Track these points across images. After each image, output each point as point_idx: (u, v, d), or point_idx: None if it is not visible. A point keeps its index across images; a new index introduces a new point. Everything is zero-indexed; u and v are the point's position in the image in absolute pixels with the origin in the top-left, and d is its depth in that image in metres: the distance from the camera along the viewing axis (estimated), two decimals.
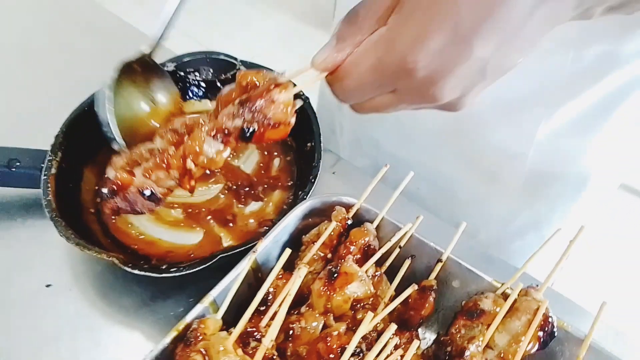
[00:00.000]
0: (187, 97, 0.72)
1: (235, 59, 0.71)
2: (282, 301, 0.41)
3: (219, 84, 0.72)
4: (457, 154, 0.66)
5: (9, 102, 0.75)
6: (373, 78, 0.37)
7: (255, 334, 0.42)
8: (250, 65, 0.71)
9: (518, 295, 0.45)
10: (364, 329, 0.40)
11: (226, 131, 0.42)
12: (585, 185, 0.64)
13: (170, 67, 0.70)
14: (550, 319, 0.44)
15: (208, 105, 0.73)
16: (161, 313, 0.53)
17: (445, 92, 0.36)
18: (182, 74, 0.70)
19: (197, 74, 0.71)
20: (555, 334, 0.44)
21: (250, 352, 0.39)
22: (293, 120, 0.42)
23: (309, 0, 2.85)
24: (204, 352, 0.38)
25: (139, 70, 0.56)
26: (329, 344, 0.40)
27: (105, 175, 0.46)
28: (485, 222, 0.69)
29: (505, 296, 0.46)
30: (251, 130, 0.41)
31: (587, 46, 0.52)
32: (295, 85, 0.42)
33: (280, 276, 0.46)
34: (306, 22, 2.75)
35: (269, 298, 0.45)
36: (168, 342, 0.41)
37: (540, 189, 0.64)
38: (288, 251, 0.44)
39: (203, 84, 0.72)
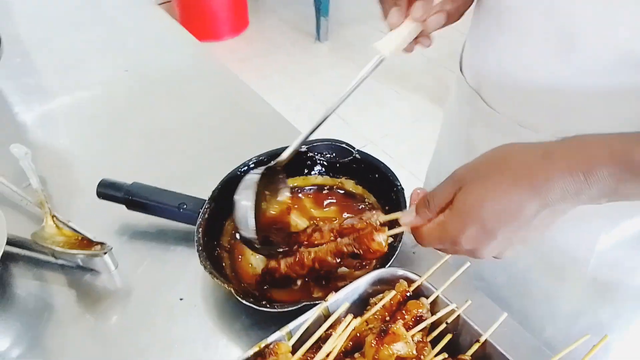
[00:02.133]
0: (312, 172, 0.91)
1: (354, 148, 0.88)
2: (337, 339, 0.54)
3: (337, 165, 0.90)
4: (531, 250, 0.73)
5: (184, 162, 1.01)
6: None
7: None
8: (363, 154, 0.87)
9: None
10: None
11: (343, 252, 0.66)
12: None
13: (304, 148, 0.89)
14: None
15: (327, 180, 0.90)
16: (254, 336, 0.69)
17: (485, 255, 0.53)
18: (311, 154, 0.89)
19: (321, 155, 0.90)
20: None
21: None
22: (386, 249, 0.63)
23: (442, 85, 3.03)
24: None
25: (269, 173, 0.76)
26: None
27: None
28: (552, 320, 0.73)
29: None
30: (358, 254, 0.65)
31: None
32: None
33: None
34: (437, 103, 2.93)
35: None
36: (250, 354, 0.56)
37: (602, 295, 0.68)
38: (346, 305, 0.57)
39: (325, 163, 0.90)
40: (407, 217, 0.58)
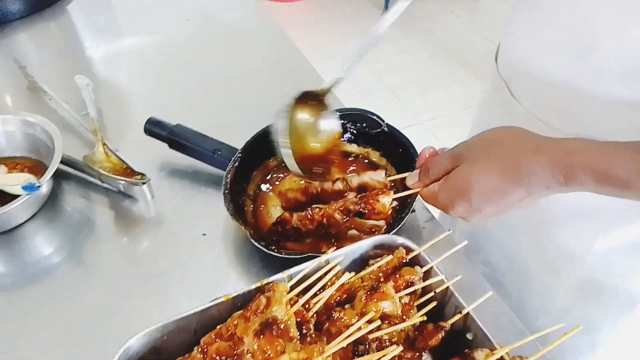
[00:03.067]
0: (342, 139, 0.95)
1: (383, 121, 0.92)
2: (329, 288, 0.60)
3: (366, 135, 0.94)
4: (531, 243, 0.76)
5: (226, 112, 1.08)
6: (433, 204, 0.63)
7: (306, 305, 0.61)
8: (391, 128, 0.91)
9: (507, 357, 0.56)
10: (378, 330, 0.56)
11: (349, 210, 0.72)
12: (634, 307, 0.68)
13: (337, 114, 0.94)
14: None
15: (354, 148, 0.95)
16: (261, 276, 0.76)
17: (470, 219, 0.60)
18: (342, 121, 0.94)
19: (353, 123, 0.94)
20: None
21: (294, 310, 0.58)
22: (389, 212, 0.71)
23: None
24: (268, 298, 0.59)
25: (315, 103, 0.80)
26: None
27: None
28: (545, 311, 0.76)
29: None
30: (364, 212, 0.71)
31: None
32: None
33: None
34: None
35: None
36: (252, 288, 0.63)
37: (593, 295, 0.71)
38: (341, 257, 0.63)
39: (355, 132, 0.94)
40: (410, 179, 0.66)
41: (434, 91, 2.97)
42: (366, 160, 0.94)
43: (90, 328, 0.72)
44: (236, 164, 0.84)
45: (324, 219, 0.73)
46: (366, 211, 0.69)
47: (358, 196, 0.71)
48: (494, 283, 0.77)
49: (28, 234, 0.84)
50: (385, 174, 0.81)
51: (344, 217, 0.71)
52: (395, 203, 0.69)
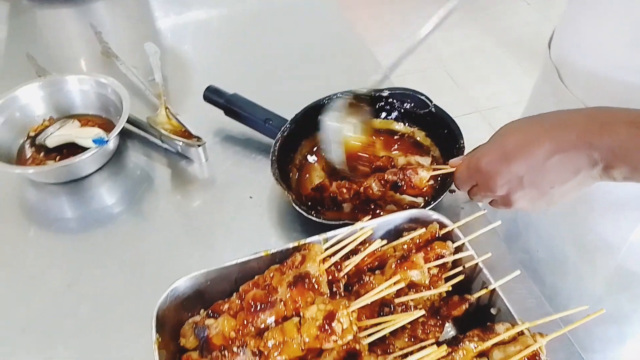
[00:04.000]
0: (389, 117, 0.98)
1: (431, 101, 0.93)
2: (361, 253, 0.63)
3: (413, 115, 0.96)
4: (568, 231, 0.76)
5: (280, 83, 1.12)
6: (466, 173, 0.65)
7: (338, 266, 0.65)
8: (438, 109, 0.92)
9: (528, 333, 0.58)
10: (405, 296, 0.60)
11: (386, 181, 0.76)
12: None
13: (386, 93, 0.96)
14: (539, 357, 0.55)
15: (401, 127, 0.97)
16: (301, 238, 0.80)
17: (497, 186, 0.60)
18: (391, 100, 0.96)
19: (401, 102, 0.96)
20: None
21: (326, 267, 0.62)
22: (425, 189, 0.74)
23: None
24: (303, 255, 0.63)
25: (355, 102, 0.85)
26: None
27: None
28: (577, 300, 0.77)
29: (521, 332, 0.59)
30: (399, 185, 0.74)
31: None
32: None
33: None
34: None
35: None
36: (290, 246, 0.67)
37: (626, 286, 0.71)
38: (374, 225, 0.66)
39: (402, 111, 0.96)
40: (455, 160, 0.68)
41: (496, 80, 2.89)
42: (411, 140, 0.96)
43: (143, 270, 0.79)
44: (285, 133, 0.89)
45: (361, 188, 0.76)
46: (403, 183, 0.71)
47: (400, 167, 0.73)
48: (530, 270, 0.79)
49: (95, 184, 0.93)
50: (432, 162, 0.83)
51: (381, 187, 0.74)
52: (432, 182, 0.72)
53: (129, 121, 0.96)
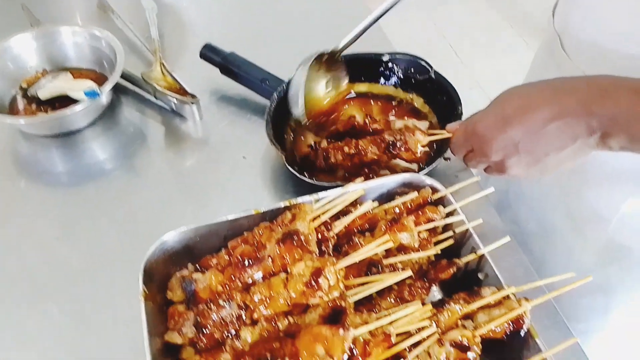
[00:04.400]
0: (387, 82, 0.96)
1: (431, 67, 0.92)
2: (352, 214, 0.63)
3: (412, 81, 0.94)
4: (560, 203, 0.76)
5: (277, 44, 1.10)
6: (463, 137, 0.64)
7: (328, 226, 0.65)
8: (438, 75, 0.91)
9: (513, 297, 0.58)
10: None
11: (381, 140, 0.75)
12: None
13: (386, 57, 0.95)
14: (523, 321, 0.56)
15: (399, 93, 0.96)
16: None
17: (493, 150, 0.59)
18: (390, 65, 0.95)
19: (400, 68, 0.94)
20: (522, 333, 0.56)
21: (316, 225, 0.62)
22: (419, 153, 0.74)
23: None
24: (294, 214, 0.63)
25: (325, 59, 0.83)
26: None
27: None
28: (564, 267, 0.77)
29: (506, 297, 0.59)
30: (394, 144, 0.74)
31: None
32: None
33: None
34: None
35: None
36: (282, 205, 0.67)
37: (614, 257, 0.71)
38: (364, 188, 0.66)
39: (402, 77, 0.95)
40: (452, 125, 0.67)
41: (501, 56, 2.84)
42: (409, 106, 0.94)
43: (134, 224, 0.79)
44: (281, 94, 0.87)
45: (355, 148, 0.75)
46: (398, 145, 0.70)
47: (397, 128, 0.72)
48: (519, 242, 0.79)
49: (87, 138, 0.92)
50: (429, 127, 0.82)
51: (377, 150, 0.73)
52: (427, 148, 0.71)
53: (123, 76, 0.94)
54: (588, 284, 0.77)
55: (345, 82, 0.84)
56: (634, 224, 0.68)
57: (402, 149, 0.72)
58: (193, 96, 0.91)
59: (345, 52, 0.91)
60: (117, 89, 0.97)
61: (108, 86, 0.88)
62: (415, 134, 0.69)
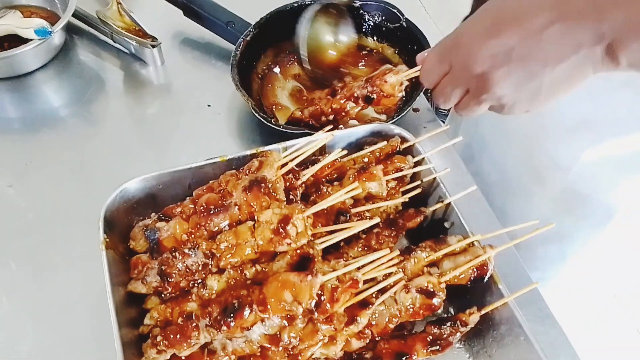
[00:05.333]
0: (358, 31, 0.93)
1: (403, 15, 0.89)
2: (320, 163, 0.62)
3: (383, 29, 0.92)
4: (523, 153, 0.77)
5: None
6: (438, 56, 0.56)
7: (296, 174, 0.63)
8: (409, 23, 0.88)
9: (477, 244, 0.59)
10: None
11: (356, 95, 0.71)
12: (610, 220, 0.70)
13: (357, 3, 0.91)
14: (487, 267, 0.57)
15: (370, 42, 0.93)
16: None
17: (478, 60, 0.50)
18: (362, 12, 0.91)
19: (371, 15, 0.92)
20: (485, 280, 0.57)
21: (284, 173, 0.61)
22: (400, 94, 0.67)
23: None
24: (261, 161, 0.61)
25: (334, 12, 0.80)
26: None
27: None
28: (523, 217, 0.78)
29: (471, 244, 0.60)
30: (372, 97, 0.68)
31: None
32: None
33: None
34: None
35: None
36: (248, 153, 0.65)
37: (572, 205, 0.73)
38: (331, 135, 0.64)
39: (372, 25, 0.92)
40: (421, 54, 0.61)
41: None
42: (380, 56, 0.92)
43: (93, 173, 0.76)
44: (248, 38, 0.83)
45: (335, 108, 0.73)
46: (374, 96, 0.68)
47: (364, 79, 0.70)
48: (482, 193, 0.80)
49: (39, 81, 0.86)
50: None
51: (355, 105, 0.71)
52: (402, 94, 0.68)
53: (76, 15, 0.88)
54: (544, 233, 0.80)
55: (352, 33, 0.81)
56: (593, 172, 0.69)
57: (381, 97, 0.69)
58: (154, 38, 0.86)
59: None
60: (71, 30, 0.91)
61: (60, 24, 0.82)
62: (387, 80, 0.66)
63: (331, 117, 0.75)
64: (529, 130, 0.74)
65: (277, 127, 0.74)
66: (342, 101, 0.73)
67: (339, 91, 0.74)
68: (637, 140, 0.64)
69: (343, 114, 0.74)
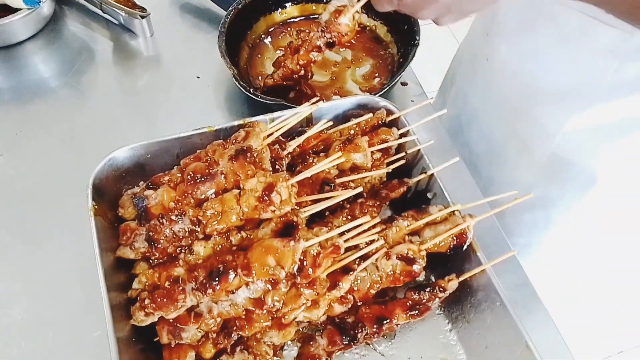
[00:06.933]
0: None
1: None
2: (306, 134, 0.63)
3: None
4: (509, 122, 0.79)
5: None
6: None
7: (282, 145, 0.64)
8: None
9: (458, 214, 0.61)
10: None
11: (319, 46, 0.71)
12: (592, 185, 0.73)
13: None
14: (466, 236, 0.59)
15: (364, 19, 0.92)
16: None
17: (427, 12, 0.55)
18: None
19: None
20: (464, 247, 0.59)
21: (270, 144, 0.62)
22: (355, 27, 0.68)
23: None
24: (247, 132, 0.62)
25: None
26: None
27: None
28: (509, 185, 0.80)
29: (452, 214, 0.62)
30: (332, 41, 0.69)
31: (632, 61, 0.62)
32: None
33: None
34: None
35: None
36: (235, 124, 0.66)
37: (556, 171, 0.75)
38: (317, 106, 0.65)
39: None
40: None
41: None
42: (372, 34, 0.92)
43: (82, 142, 0.77)
44: (239, 6, 0.83)
45: (300, 66, 0.74)
46: (335, 39, 0.69)
47: (318, 29, 0.70)
48: (469, 163, 0.81)
49: (29, 52, 0.86)
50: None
51: (319, 53, 0.72)
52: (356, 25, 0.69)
53: None
54: (530, 200, 0.82)
55: None
56: (578, 139, 0.71)
57: (342, 39, 0.70)
58: (143, 9, 0.86)
59: None
60: (61, 0, 0.91)
61: None
62: (340, 21, 0.68)
63: (302, 72, 0.76)
64: (516, 101, 0.76)
65: (254, 97, 0.74)
66: (308, 55, 0.74)
67: (301, 46, 0.74)
68: (620, 107, 0.66)
69: (312, 64, 0.76)
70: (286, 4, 0.90)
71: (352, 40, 0.91)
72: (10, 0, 0.82)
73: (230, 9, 0.82)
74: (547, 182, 0.78)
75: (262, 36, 0.89)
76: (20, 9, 0.81)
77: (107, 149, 0.62)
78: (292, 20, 0.91)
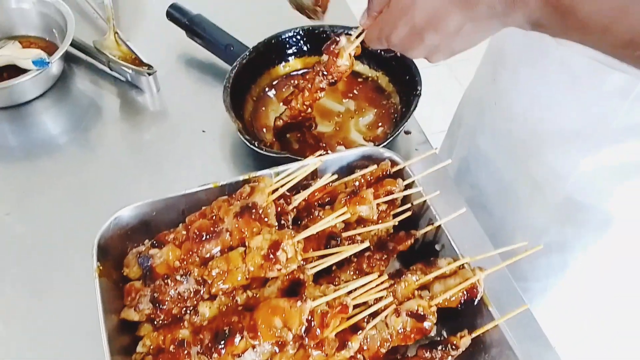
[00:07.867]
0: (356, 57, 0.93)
1: None
2: (311, 187, 0.63)
3: (379, 57, 0.92)
4: (521, 164, 0.79)
5: (246, 9, 1.06)
6: (377, 41, 0.62)
7: (288, 199, 0.64)
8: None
9: (468, 267, 0.59)
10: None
11: (322, 87, 0.74)
12: (608, 227, 0.72)
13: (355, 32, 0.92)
14: (477, 290, 0.57)
15: (366, 69, 0.94)
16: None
17: (415, 55, 0.60)
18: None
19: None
20: (475, 302, 0.57)
21: (275, 198, 0.62)
22: (353, 64, 0.72)
23: None
24: (252, 187, 0.62)
25: None
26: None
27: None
28: (523, 230, 0.80)
29: (462, 267, 0.61)
30: (333, 81, 0.73)
31: None
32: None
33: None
34: None
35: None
36: (240, 179, 0.66)
37: (572, 213, 0.75)
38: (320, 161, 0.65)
39: (368, 52, 0.92)
40: (362, 19, 0.65)
41: None
42: (374, 84, 0.93)
43: (88, 199, 0.77)
44: (244, 61, 0.85)
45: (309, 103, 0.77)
46: (335, 79, 0.73)
47: (318, 71, 0.73)
48: (478, 206, 0.81)
49: (38, 110, 0.88)
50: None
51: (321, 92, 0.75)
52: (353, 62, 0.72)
53: (74, 45, 0.90)
54: (546, 242, 0.80)
55: None
56: (591, 181, 0.71)
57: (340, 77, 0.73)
58: (149, 67, 0.88)
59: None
60: (69, 59, 0.93)
61: (58, 54, 0.84)
62: (338, 63, 0.71)
63: (309, 110, 0.78)
64: (526, 142, 0.76)
65: (258, 150, 0.75)
66: (312, 95, 0.76)
67: (306, 88, 0.76)
68: (631, 149, 0.66)
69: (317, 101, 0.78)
70: (289, 58, 0.92)
71: (355, 91, 0.93)
72: (20, 61, 0.85)
73: (235, 63, 0.84)
74: (562, 224, 0.77)
75: (266, 89, 0.90)
76: (29, 70, 0.83)
77: (113, 205, 0.62)
78: (295, 72, 0.93)
